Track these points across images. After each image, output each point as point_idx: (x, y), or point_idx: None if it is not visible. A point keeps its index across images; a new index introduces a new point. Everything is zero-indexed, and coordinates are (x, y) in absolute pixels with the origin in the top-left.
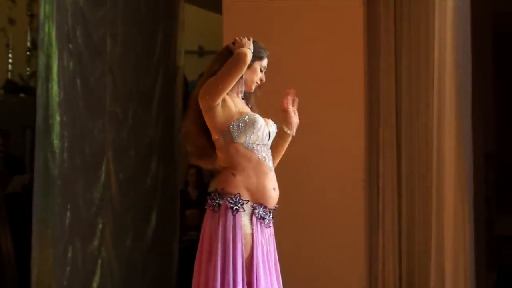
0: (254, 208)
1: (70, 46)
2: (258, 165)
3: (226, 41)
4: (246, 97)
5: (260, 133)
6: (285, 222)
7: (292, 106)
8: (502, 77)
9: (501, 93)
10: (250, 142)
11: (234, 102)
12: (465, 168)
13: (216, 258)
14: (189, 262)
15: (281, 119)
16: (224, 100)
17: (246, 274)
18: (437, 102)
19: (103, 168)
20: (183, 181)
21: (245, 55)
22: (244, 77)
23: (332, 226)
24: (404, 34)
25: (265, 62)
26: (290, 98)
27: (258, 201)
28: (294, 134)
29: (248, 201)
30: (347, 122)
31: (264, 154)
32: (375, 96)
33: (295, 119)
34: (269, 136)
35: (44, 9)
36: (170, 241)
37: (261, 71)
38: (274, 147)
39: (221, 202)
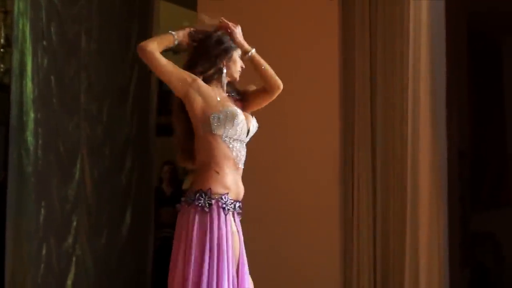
0: (234, 206)
1: (45, 43)
2: (232, 161)
3: None
4: (231, 86)
5: (239, 128)
6: (259, 220)
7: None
8: (476, 75)
9: (475, 92)
10: (228, 135)
11: (216, 93)
12: (439, 166)
13: (212, 257)
14: (164, 259)
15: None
16: (202, 91)
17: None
18: (412, 100)
19: (78, 165)
20: (157, 179)
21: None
22: (225, 71)
23: (307, 224)
24: (379, 33)
25: (235, 51)
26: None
27: (236, 198)
28: (253, 50)
29: (234, 201)
30: (322, 121)
31: (238, 151)
32: (350, 94)
33: (240, 40)
34: (248, 133)
35: (18, 5)
36: (145, 238)
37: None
38: (258, 71)
39: (212, 202)
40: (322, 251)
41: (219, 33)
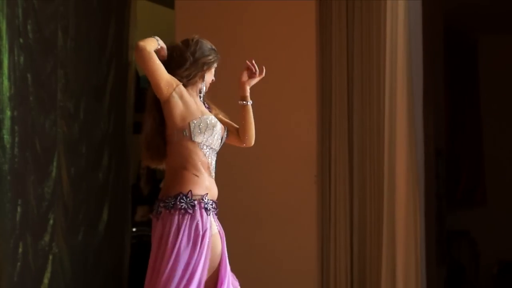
0: (213, 207)
1: (21, 40)
2: (207, 167)
3: (179, 36)
4: (202, 99)
5: (215, 138)
6: (236, 217)
7: (254, 76)
8: (452, 74)
9: (451, 91)
10: (205, 143)
11: (195, 101)
12: (416, 164)
13: (199, 255)
14: (141, 257)
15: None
16: (184, 96)
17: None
18: (389, 98)
19: (55, 163)
20: (135, 176)
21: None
22: (205, 79)
23: (284, 220)
24: (356, 32)
25: (216, 64)
26: (247, 73)
27: (214, 199)
28: (250, 102)
29: (213, 202)
30: (299, 117)
31: (212, 159)
32: (327, 93)
33: (246, 87)
34: (221, 141)
35: None
36: (122, 236)
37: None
38: (242, 124)
39: (195, 203)
40: (299, 249)
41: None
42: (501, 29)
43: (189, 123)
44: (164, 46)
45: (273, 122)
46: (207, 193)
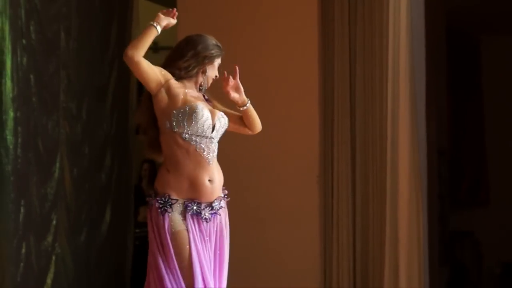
0: (186, 206)
1: (24, 41)
2: (194, 156)
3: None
4: (203, 91)
5: (199, 124)
6: (238, 217)
7: (232, 82)
8: (455, 74)
9: (454, 91)
10: (188, 133)
11: (187, 92)
12: (419, 164)
13: (155, 258)
14: (144, 258)
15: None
16: (171, 89)
17: (185, 272)
18: (391, 98)
19: (57, 164)
20: (137, 177)
21: (149, 28)
22: (208, 74)
23: (287, 220)
24: (359, 32)
25: (220, 59)
26: (228, 82)
27: (191, 197)
28: (248, 104)
29: (177, 200)
30: (301, 118)
31: (204, 146)
32: (330, 93)
33: (236, 95)
34: (214, 129)
35: None
36: (124, 236)
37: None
38: (246, 120)
39: (153, 202)
40: (302, 249)
41: (210, 38)
42: (504, 29)
43: (170, 114)
44: (169, 21)
45: (275, 121)
46: (168, 194)
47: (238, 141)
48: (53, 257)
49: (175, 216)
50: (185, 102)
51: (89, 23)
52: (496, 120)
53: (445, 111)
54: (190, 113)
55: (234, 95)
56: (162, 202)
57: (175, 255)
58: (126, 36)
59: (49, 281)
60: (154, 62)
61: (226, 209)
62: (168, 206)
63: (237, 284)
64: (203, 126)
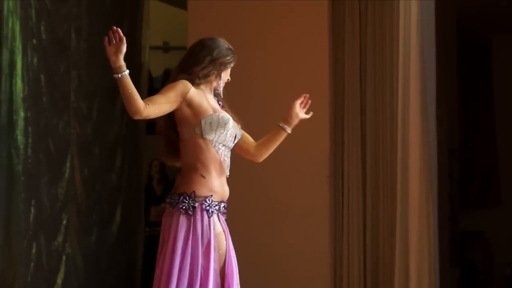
0: (219, 207)
1: (34, 41)
2: (220, 164)
3: (191, 37)
4: (216, 96)
5: (228, 135)
6: (249, 217)
7: (301, 107)
8: (466, 74)
9: (465, 90)
10: (217, 141)
11: (207, 98)
12: (429, 165)
13: (192, 258)
14: (154, 257)
15: (284, 114)
16: (193, 101)
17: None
18: (402, 98)
19: (68, 164)
20: (147, 177)
21: (120, 82)
22: (222, 78)
23: (297, 221)
24: (369, 32)
25: (233, 64)
26: (301, 100)
27: (221, 199)
28: (289, 131)
29: (217, 202)
30: (312, 118)
31: (225, 156)
32: (340, 92)
33: (295, 118)
34: (235, 139)
35: (7, 4)
36: (134, 236)
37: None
38: (266, 141)
39: (196, 205)
40: (312, 250)
41: (224, 42)
42: None
43: (200, 121)
44: (119, 49)
45: None
46: (211, 195)
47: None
48: (64, 257)
49: (215, 218)
50: (214, 110)
51: (99, 23)
52: (507, 120)
53: (456, 111)
54: (222, 122)
55: (303, 115)
56: (208, 204)
57: (214, 260)
58: (136, 36)
59: (59, 281)
60: (165, 62)
61: None
62: (214, 207)
63: (246, 285)
64: (230, 135)
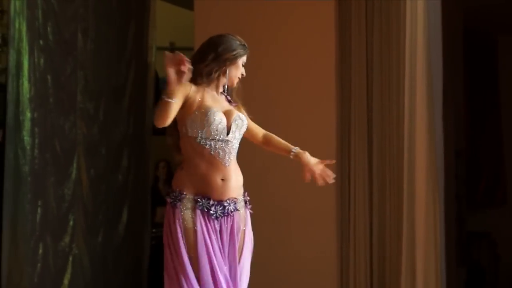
0: (196, 201)
1: (41, 42)
2: (209, 159)
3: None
4: (228, 92)
5: (213, 128)
6: (254, 218)
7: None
8: (472, 74)
9: (471, 90)
10: (203, 137)
11: (199, 95)
12: (435, 165)
13: (167, 254)
14: (160, 258)
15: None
16: (188, 95)
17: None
18: (408, 99)
19: (74, 164)
20: (153, 177)
21: (166, 104)
22: (228, 73)
23: (303, 222)
24: (376, 33)
25: (245, 57)
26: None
27: (202, 193)
28: (291, 157)
29: (186, 194)
30: (318, 118)
31: (219, 149)
32: (347, 94)
33: (308, 165)
34: (229, 131)
35: (14, 5)
36: (141, 237)
37: (242, 65)
38: (276, 144)
39: (172, 198)
40: (319, 250)
41: (233, 38)
42: None
43: (185, 119)
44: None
45: (292, 123)
46: (180, 189)
47: (254, 143)
48: (70, 258)
49: (186, 213)
50: (199, 107)
51: (106, 23)
52: None
53: (462, 111)
54: (201, 118)
55: (317, 169)
56: (173, 196)
57: (185, 250)
58: (143, 37)
59: (66, 281)
60: None
61: (247, 215)
62: (178, 200)
63: (253, 285)
64: (216, 129)
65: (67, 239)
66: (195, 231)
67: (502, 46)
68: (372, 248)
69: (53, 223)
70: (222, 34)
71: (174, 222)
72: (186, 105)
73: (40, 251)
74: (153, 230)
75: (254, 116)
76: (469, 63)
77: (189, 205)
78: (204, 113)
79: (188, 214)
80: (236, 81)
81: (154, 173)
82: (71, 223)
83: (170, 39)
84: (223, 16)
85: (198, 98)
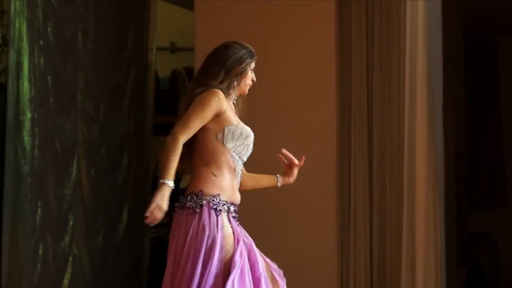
0: (229, 208)
1: (41, 42)
2: (233, 171)
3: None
4: (237, 100)
5: (245, 148)
6: (255, 218)
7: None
8: (473, 75)
9: (471, 91)
10: (235, 151)
11: (231, 107)
12: (436, 166)
13: (197, 258)
14: (160, 258)
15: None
16: (223, 108)
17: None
18: (409, 100)
19: (74, 164)
20: (153, 177)
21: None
22: (237, 86)
23: (304, 222)
24: (376, 33)
25: (254, 63)
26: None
27: (230, 200)
28: (279, 186)
29: (226, 201)
30: (318, 119)
31: (239, 167)
32: (347, 93)
33: (292, 179)
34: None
35: (14, 5)
36: (141, 237)
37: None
38: (258, 179)
39: (204, 202)
40: (319, 251)
41: (238, 47)
42: None
43: (224, 128)
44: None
45: (292, 123)
46: (218, 194)
47: (256, 144)
48: (70, 258)
49: (225, 218)
50: (238, 121)
51: (106, 24)
52: None
53: (463, 112)
54: (244, 135)
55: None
56: (216, 202)
57: (218, 259)
58: (143, 37)
59: (66, 282)
60: (171, 63)
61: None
62: (222, 206)
63: None
64: (247, 150)
65: (67, 239)
66: (234, 236)
67: (502, 47)
68: (372, 248)
69: (53, 223)
70: (227, 44)
71: (218, 228)
72: (220, 115)
73: (40, 251)
74: (153, 231)
75: (254, 116)
76: (469, 64)
77: (225, 211)
78: (247, 131)
79: (226, 220)
80: (247, 88)
81: (154, 173)
82: (71, 223)
83: (170, 39)
84: (223, 16)
85: (228, 107)
